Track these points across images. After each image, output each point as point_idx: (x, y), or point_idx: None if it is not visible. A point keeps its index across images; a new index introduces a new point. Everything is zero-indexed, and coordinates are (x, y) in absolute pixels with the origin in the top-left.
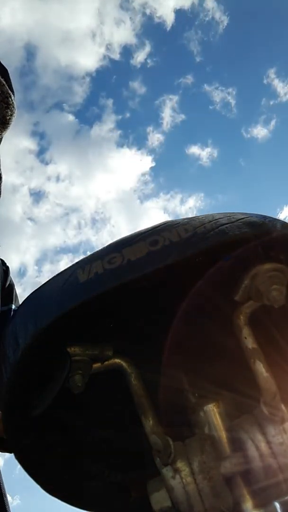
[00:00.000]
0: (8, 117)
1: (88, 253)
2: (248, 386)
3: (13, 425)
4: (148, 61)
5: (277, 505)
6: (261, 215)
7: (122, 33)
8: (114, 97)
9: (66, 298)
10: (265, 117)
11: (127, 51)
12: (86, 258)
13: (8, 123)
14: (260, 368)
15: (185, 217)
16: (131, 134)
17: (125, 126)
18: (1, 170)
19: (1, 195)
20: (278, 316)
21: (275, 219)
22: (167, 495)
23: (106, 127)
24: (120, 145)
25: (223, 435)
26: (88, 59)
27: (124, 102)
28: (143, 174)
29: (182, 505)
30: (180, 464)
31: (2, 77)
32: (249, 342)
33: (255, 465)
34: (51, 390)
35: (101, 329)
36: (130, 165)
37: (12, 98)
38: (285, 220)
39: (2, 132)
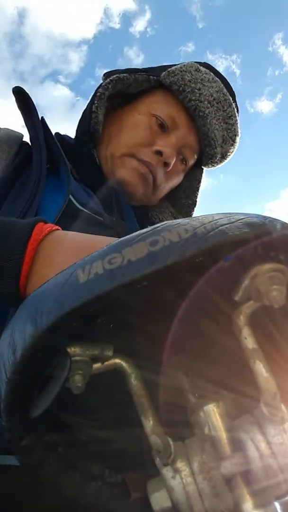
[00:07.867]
0: (229, 154)
1: None
2: (248, 386)
3: (13, 425)
4: (148, 29)
5: (277, 505)
6: (261, 216)
7: None
8: (111, 67)
9: (66, 298)
10: (270, 88)
11: (127, 18)
12: (86, 258)
13: (226, 159)
14: (260, 368)
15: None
16: None
17: None
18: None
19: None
20: (278, 316)
21: (275, 219)
22: (167, 495)
23: None
24: None
25: (223, 435)
26: (84, 24)
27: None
28: None
29: (182, 505)
30: (180, 464)
31: (238, 114)
32: (249, 342)
33: (255, 465)
34: (51, 390)
35: (101, 329)
36: None
37: (239, 137)
38: None
39: (218, 165)
